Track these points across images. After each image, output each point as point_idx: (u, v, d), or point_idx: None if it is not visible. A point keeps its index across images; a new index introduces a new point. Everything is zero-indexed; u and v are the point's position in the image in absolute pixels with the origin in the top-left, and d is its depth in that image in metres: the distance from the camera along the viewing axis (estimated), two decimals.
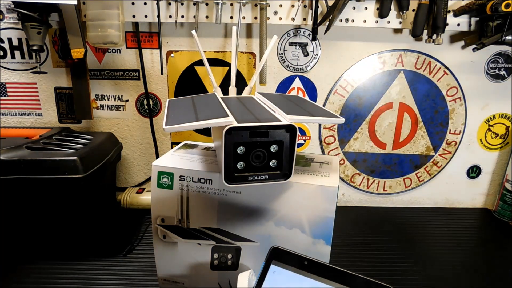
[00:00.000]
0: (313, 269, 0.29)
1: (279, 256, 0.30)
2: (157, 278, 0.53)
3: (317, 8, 0.68)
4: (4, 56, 0.74)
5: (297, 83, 0.79)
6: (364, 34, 0.75)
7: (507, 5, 0.61)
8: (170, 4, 0.69)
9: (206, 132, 0.82)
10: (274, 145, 0.40)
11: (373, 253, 0.66)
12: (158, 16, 0.69)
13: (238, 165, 0.40)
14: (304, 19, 0.71)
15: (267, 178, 0.41)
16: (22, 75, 0.76)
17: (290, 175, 0.41)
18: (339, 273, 0.29)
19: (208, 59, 0.74)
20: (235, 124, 0.38)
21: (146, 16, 0.70)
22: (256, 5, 0.69)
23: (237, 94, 0.59)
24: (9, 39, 0.73)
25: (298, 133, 0.40)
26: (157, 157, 0.81)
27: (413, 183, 0.86)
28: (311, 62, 0.77)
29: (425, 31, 0.71)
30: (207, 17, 0.70)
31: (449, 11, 0.70)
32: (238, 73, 0.77)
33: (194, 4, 0.68)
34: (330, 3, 0.68)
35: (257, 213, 0.47)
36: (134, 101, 0.79)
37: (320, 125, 0.82)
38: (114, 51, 0.76)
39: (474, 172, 0.86)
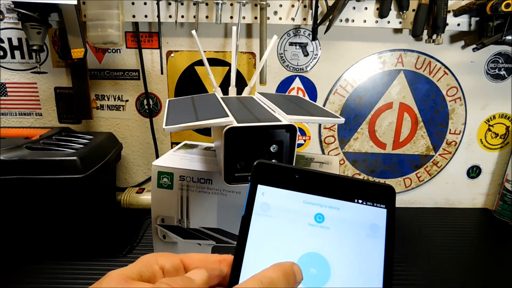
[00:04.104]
0: (307, 182, 0.25)
1: (267, 173, 0.25)
2: None
3: (317, 8, 0.68)
4: (4, 56, 0.74)
5: (297, 83, 0.79)
6: (364, 34, 0.75)
7: (507, 5, 0.61)
8: (170, 4, 0.69)
9: (206, 132, 0.82)
10: (274, 145, 0.40)
11: None
12: (158, 16, 0.69)
13: (238, 165, 0.40)
14: (304, 19, 0.71)
15: None
16: (22, 75, 0.76)
17: None
18: (337, 181, 0.25)
19: (208, 59, 0.74)
20: (235, 124, 0.38)
21: (146, 16, 0.70)
22: (256, 5, 0.69)
23: (237, 94, 0.59)
24: (9, 39, 0.73)
25: (298, 133, 0.40)
26: (157, 157, 0.81)
27: (413, 183, 0.86)
28: (311, 62, 0.77)
29: (425, 31, 0.71)
30: (207, 17, 0.70)
31: (449, 11, 0.70)
32: (238, 73, 0.77)
33: (194, 4, 0.68)
34: (330, 3, 0.68)
35: None
36: (134, 101, 0.79)
37: (320, 125, 0.82)
38: (114, 51, 0.76)
39: (474, 172, 0.86)
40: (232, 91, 0.59)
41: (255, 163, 0.25)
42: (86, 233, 0.62)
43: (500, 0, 0.61)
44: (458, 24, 0.72)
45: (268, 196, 0.24)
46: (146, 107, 0.79)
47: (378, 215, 0.25)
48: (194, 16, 0.69)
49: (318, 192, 0.25)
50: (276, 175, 0.25)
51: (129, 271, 0.22)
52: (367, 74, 0.78)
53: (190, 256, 0.24)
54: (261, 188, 0.25)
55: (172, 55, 0.76)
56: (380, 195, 0.25)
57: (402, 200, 0.88)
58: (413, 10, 0.70)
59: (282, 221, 0.24)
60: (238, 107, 0.46)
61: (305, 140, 0.83)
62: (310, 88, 0.79)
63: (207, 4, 0.69)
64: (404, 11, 0.70)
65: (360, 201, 0.25)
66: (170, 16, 0.70)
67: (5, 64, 0.75)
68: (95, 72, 0.77)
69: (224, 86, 0.60)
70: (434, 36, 0.70)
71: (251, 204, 0.24)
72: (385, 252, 0.24)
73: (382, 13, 0.69)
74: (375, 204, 0.25)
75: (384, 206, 0.25)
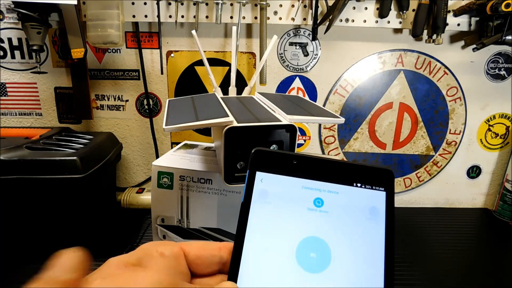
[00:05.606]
0: (306, 167, 0.25)
1: (265, 160, 0.25)
2: None
3: (317, 8, 0.68)
4: (4, 56, 0.74)
5: (297, 83, 0.79)
6: (364, 34, 0.75)
7: (507, 5, 0.61)
8: (170, 4, 0.69)
9: (206, 132, 0.82)
10: (274, 145, 0.40)
11: None
12: (158, 16, 0.69)
13: (238, 165, 0.40)
14: (304, 19, 0.71)
15: None
16: (22, 75, 0.76)
17: None
18: (335, 165, 0.25)
19: (208, 59, 0.74)
20: (235, 124, 0.38)
21: (146, 16, 0.70)
22: (256, 5, 0.69)
23: (237, 94, 0.59)
24: (9, 39, 0.73)
25: (298, 133, 0.40)
26: (157, 157, 0.81)
27: (413, 183, 0.86)
28: (311, 62, 0.77)
29: (425, 31, 0.71)
30: (207, 17, 0.70)
31: (449, 11, 0.70)
32: (238, 73, 0.77)
33: (194, 4, 0.68)
34: (330, 3, 0.68)
35: None
36: (134, 101, 0.79)
37: (320, 125, 0.82)
38: (114, 51, 0.76)
39: (474, 172, 0.86)
40: (232, 91, 0.59)
41: (253, 151, 0.25)
42: (86, 233, 0.62)
43: (500, 0, 0.61)
44: (458, 24, 0.72)
45: (266, 183, 0.25)
46: (146, 107, 0.79)
47: (377, 198, 0.24)
48: (194, 16, 0.69)
49: (316, 177, 0.25)
50: (274, 161, 0.25)
51: (128, 257, 0.22)
52: (367, 74, 0.78)
53: (190, 243, 0.25)
54: (259, 175, 0.25)
55: (172, 55, 0.76)
56: (379, 178, 0.25)
57: (402, 200, 0.88)
58: (413, 10, 0.70)
59: (281, 206, 0.24)
60: (238, 107, 0.46)
61: (305, 140, 0.83)
62: (310, 88, 0.79)
63: (207, 4, 0.69)
64: (404, 11, 0.70)
65: (359, 184, 0.25)
66: (170, 16, 0.70)
67: (5, 64, 0.75)
68: (95, 72, 0.77)
69: (224, 86, 0.60)
70: (434, 36, 0.70)
71: (250, 191, 0.24)
72: (385, 235, 0.24)
73: (382, 13, 0.69)
74: (374, 187, 0.25)
75: (383, 189, 0.25)
